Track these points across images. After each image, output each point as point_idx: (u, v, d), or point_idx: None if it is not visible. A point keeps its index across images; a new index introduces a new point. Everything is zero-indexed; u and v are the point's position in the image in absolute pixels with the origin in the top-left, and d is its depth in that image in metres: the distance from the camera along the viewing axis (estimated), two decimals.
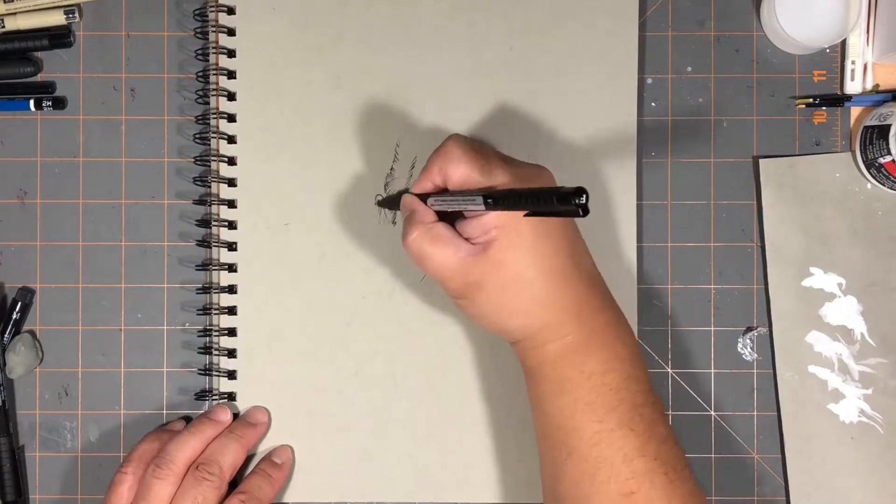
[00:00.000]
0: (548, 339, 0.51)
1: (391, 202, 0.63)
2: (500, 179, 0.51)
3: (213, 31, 0.63)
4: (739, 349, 0.64)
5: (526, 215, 0.46)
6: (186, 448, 0.58)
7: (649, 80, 0.65)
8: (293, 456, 0.62)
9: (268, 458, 0.61)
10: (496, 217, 0.50)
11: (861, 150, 0.62)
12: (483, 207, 0.49)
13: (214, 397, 0.62)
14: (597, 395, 0.51)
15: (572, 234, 0.53)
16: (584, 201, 0.42)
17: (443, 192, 0.54)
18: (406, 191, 0.58)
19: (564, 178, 0.62)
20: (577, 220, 0.52)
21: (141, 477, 0.58)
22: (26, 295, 0.64)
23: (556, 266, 0.51)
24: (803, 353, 0.63)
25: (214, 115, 0.62)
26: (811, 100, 0.64)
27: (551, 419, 0.52)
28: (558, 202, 0.43)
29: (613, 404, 0.50)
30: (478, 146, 0.53)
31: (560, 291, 0.51)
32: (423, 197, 0.54)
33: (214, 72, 0.62)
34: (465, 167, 0.51)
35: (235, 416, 0.62)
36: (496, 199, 0.48)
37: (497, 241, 0.50)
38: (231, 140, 0.63)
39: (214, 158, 0.62)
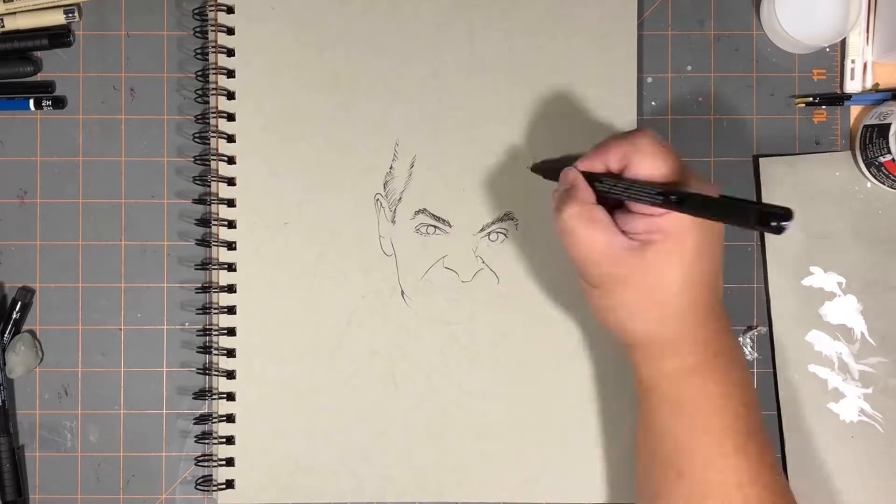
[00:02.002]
0: (672, 354, 0.50)
1: (547, 170, 0.60)
2: (680, 181, 0.49)
3: (212, 31, 0.63)
4: None
5: (698, 216, 0.45)
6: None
7: (649, 80, 0.65)
8: None
9: None
10: (664, 221, 0.48)
11: (861, 149, 0.62)
12: (661, 204, 0.47)
13: (213, 397, 0.62)
14: (716, 419, 0.50)
15: (720, 260, 0.51)
16: (786, 225, 0.41)
17: (610, 176, 0.52)
18: (567, 161, 0.55)
19: None
20: None
21: None
22: (26, 295, 0.64)
23: (702, 286, 0.49)
24: (803, 352, 0.63)
25: (214, 115, 0.62)
26: (811, 99, 0.64)
27: (664, 438, 0.51)
28: (758, 220, 0.42)
29: (731, 430, 0.50)
30: (670, 149, 0.51)
31: (699, 309, 0.50)
32: (588, 176, 0.52)
33: (214, 71, 0.62)
34: (657, 163, 0.49)
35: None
36: (683, 200, 0.46)
37: (659, 244, 0.48)
38: (230, 139, 0.63)
39: (214, 157, 0.62)
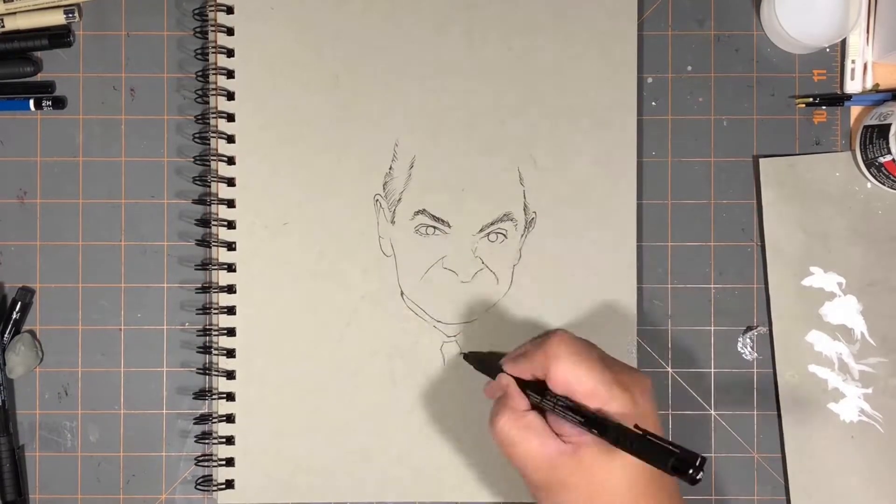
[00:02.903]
0: None
1: (480, 362, 0.61)
2: (592, 385, 0.50)
3: (212, 31, 0.63)
4: (739, 348, 0.64)
5: (623, 449, 0.46)
6: None
7: (649, 80, 0.65)
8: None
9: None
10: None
11: (861, 149, 0.62)
12: (584, 427, 0.48)
13: (213, 397, 0.62)
14: None
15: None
16: (699, 475, 0.42)
17: (541, 385, 0.53)
18: (499, 358, 0.57)
19: (565, 180, 0.62)
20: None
21: None
22: (26, 295, 0.64)
23: (646, 483, 0.50)
24: (803, 352, 0.63)
25: (214, 115, 0.63)
26: (811, 99, 0.64)
27: None
28: (672, 468, 0.42)
29: None
30: (584, 346, 0.52)
31: (649, 500, 0.50)
32: (519, 381, 0.54)
33: (214, 71, 0.62)
34: (574, 373, 0.50)
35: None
36: (604, 430, 0.47)
37: (591, 446, 0.49)
38: (230, 139, 0.63)
39: (214, 158, 0.62)
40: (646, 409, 0.51)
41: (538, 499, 0.53)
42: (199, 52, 0.63)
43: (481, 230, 0.62)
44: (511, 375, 0.55)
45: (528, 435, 0.51)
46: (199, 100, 0.63)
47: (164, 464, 0.64)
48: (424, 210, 0.62)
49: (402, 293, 0.63)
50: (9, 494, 0.63)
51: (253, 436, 0.62)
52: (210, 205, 0.63)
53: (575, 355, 0.51)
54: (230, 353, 0.62)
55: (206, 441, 0.63)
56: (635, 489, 0.50)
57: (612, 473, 0.49)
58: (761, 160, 0.64)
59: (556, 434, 0.51)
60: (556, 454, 0.50)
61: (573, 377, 0.51)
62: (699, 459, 0.42)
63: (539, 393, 0.53)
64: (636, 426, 0.47)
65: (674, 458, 0.43)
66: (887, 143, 0.59)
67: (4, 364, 0.63)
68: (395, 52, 0.63)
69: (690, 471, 0.42)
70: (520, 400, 0.53)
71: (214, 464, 0.62)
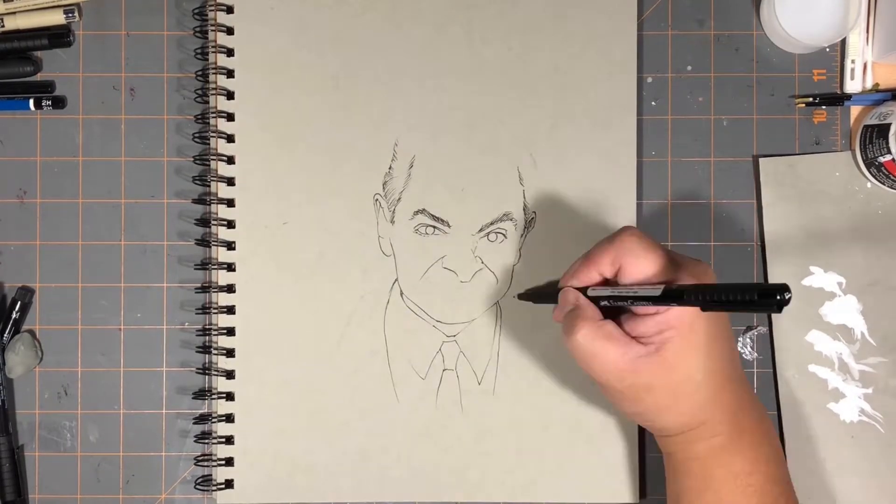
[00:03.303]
0: (701, 437, 0.51)
1: (538, 295, 0.61)
2: (674, 275, 0.50)
3: (212, 30, 0.63)
4: (739, 348, 0.64)
5: (704, 309, 0.46)
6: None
7: (649, 80, 0.65)
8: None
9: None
10: (671, 317, 0.49)
11: (861, 149, 0.62)
12: (662, 302, 0.48)
13: (213, 396, 0.62)
14: (741, 496, 0.51)
15: (733, 342, 0.53)
16: (788, 298, 0.41)
17: (606, 284, 0.52)
18: (553, 284, 0.56)
19: (565, 180, 0.62)
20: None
21: None
22: (26, 294, 0.64)
23: (723, 369, 0.51)
24: (803, 352, 0.63)
25: (213, 115, 0.63)
26: (811, 99, 0.64)
27: None
28: (760, 298, 0.42)
29: None
30: (654, 242, 0.52)
31: (723, 392, 0.51)
32: (584, 290, 0.53)
33: (214, 71, 0.62)
34: (649, 262, 0.50)
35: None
36: (681, 294, 0.47)
37: (672, 341, 0.49)
38: (230, 139, 0.63)
39: (213, 157, 0.62)
40: None
41: (622, 407, 0.53)
42: (199, 51, 0.63)
43: (481, 230, 0.62)
44: (575, 288, 0.53)
45: (609, 344, 0.50)
46: (198, 99, 0.63)
47: (163, 464, 0.64)
48: (424, 210, 0.62)
49: (401, 293, 0.63)
50: (8, 494, 0.63)
51: (252, 436, 0.62)
52: (210, 204, 0.63)
53: (647, 247, 0.51)
54: (230, 353, 0.62)
55: (206, 441, 0.63)
56: (716, 378, 0.50)
57: (694, 366, 0.49)
58: (761, 160, 0.64)
59: (634, 338, 0.50)
60: (639, 358, 0.49)
61: (645, 264, 0.50)
62: (784, 285, 0.42)
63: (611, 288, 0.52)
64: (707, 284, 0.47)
65: (758, 289, 0.43)
66: (887, 143, 0.59)
67: (4, 364, 0.63)
68: (394, 52, 0.63)
69: (779, 296, 0.41)
70: (593, 310, 0.52)
71: (214, 463, 0.62)
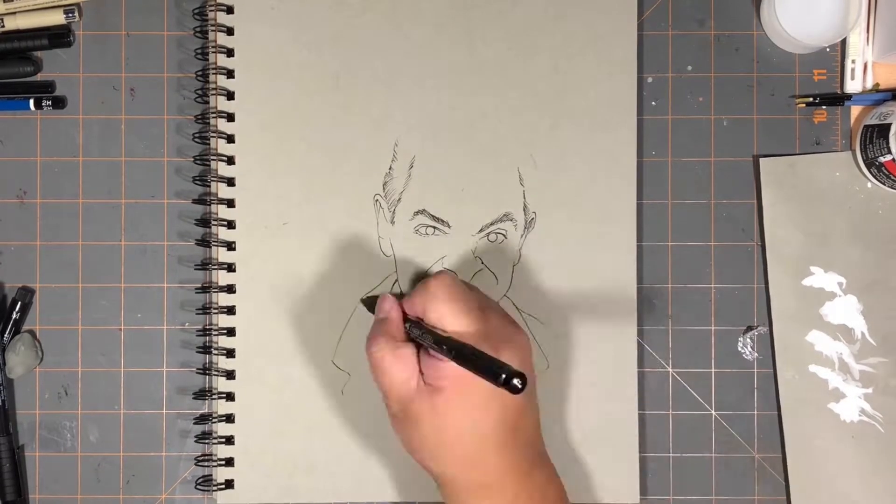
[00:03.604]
0: (472, 498, 0.52)
1: (372, 305, 0.62)
2: (467, 328, 0.52)
3: (212, 31, 0.63)
4: (740, 348, 0.64)
5: (461, 365, 0.48)
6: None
7: (649, 80, 0.65)
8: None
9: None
10: (453, 368, 0.50)
11: (861, 149, 0.62)
12: (439, 352, 0.50)
13: (213, 397, 0.62)
14: None
15: (522, 404, 0.53)
16: (519, 387, 0.44)
17: (417, 321, 0.55)
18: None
19: (565, 180, 0.62)
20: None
21: None
22: (26, 295, 0.64)
23: (495, 433, 0.52)
24: (804, 352, 0.63)
25: (213, 115, 0.63)
26: (811, 99, 0.64)
27: None
28: (495, 379, 0.45)
29: None
30: (463, 290, 0.54)
31: (492, 454, 0.52)
32: (405, 317, 0.56)
33: (214, 71, 0.62)
34: (443, 309, 0.53)
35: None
36: (450, 348, 0.49)
37: (445, 391, 0.51)
38: (230, 139, 0.63)
39: (213, 158, 0.62)
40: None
41: (394, 427, 0.55)
42: (199, 51, 0.63)
43: (481, 230, 0.62)
44: (396, 303, 0.56)
45: (397, 366, 0.53)
46: (199, 100, 0.63)
47: (163, 464, 0.64)
48: (424, 210, 0.62)
49: (402, 293, 0.62)
50: (9, 494, 0.63)
51: (253, 436, 0.62)
52: (210, 205, 0.63)
53: (452, 299, 0.53)
54: (230, 353, 0.62)
55: (206, 441, 0.63)
56: (487, 441, 0.51)
57: (459, 420, 0.51)
58: (761, 160, 0.64)
59: (422, 373, 0.52)
60: (416, 390, 0.52)
61: (449, 316, 0.52)
62: (521, 374, 0.44)
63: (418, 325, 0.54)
64: (472, 346, 0.49)
65: (498, 372, 0.45)
66: (887, 143, 0.59)
67: (4, 364, 0.63)
68: (394, 52, 0.63)
69: (514, 380, 0.44)
70: (397, 327, 0.55)
71: (214, 464, 0.62)
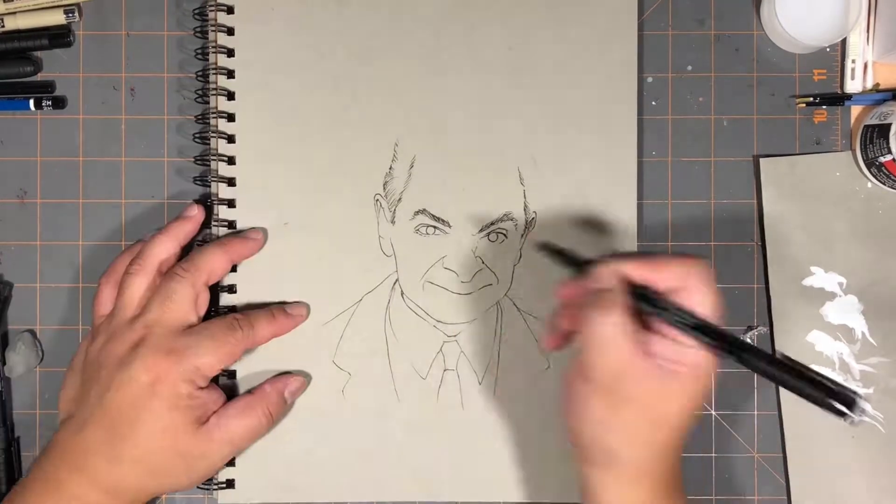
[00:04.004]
0: (642, 485, 0.50)
1: (558, 253, 0.57)
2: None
3: (212, 31, 0.63)
4: None
5: (761, 375, 0.45)
6: (158, 246, 0.59)
7: (649, 79, 0.65)
8: (307, 315, 0.62)
9: (282, 306, 0.61)
10: (694, 355, 0.48)
11: (861, 148, 0.62)
12: (714, 348, 0.46)
13: None
14: None
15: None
16: (859, 415, 0.40)
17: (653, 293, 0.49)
18: (579, 255, 0.54)
19: (565, 180, 0.62)
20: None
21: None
22: (4, 288, 0.64)
23: (685, 428, 0.50)
24: (804, 352, 0.63)
25: (214, 115, 0.62)
26: (811, 99, 0.64)
27: None
28: (826, 398, 0.41)
29: None
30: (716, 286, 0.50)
31: (678, 445, 0.50)
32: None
33: (214, 71, 0.62)
34: (711, 300, 0.48)
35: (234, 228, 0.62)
36: (741, 350, 0.45)
37: (682, 376, 0.48)
38: (230, 139, 0.62)
39: (214, 158, 0.62)
40: None
41: (585, 405, 0.49)
42: (199, 51, 0.63)
43: (481, 230, 0.62)
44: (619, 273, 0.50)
45: (630, 344, 0.47)
46: (199, 100, 0.63)
47: None
48: (425, 210, 0.62)
49: (402, 293, 0.62)
50: (5, 486, 0.62)
51: None
52: (210, 205, 0.62)
53: (715, 287, 0.49)
54: None
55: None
56: (683, 428, 0.49)
57: (681, 408, 0.48)
58: (761, 160, 0.64)
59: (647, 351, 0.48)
60: (642, 371, 0.47)
61: (710, 305, 0.48)
62: (854, 394, 0.40)
63: (648, 302, 0.49)
64: (782, 355, 0.45)
65: (828, 392, 0.41)
66: (887, 143, 0.59)
67: (4, 363, 0.63)
68: (395, 52, 0.63)
69: (853, 409, 0.40)
70: (629, 304, 0.48)
71: None
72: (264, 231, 0.62)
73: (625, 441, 0.49)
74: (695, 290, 0.48)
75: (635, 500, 0.50)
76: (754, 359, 0.45)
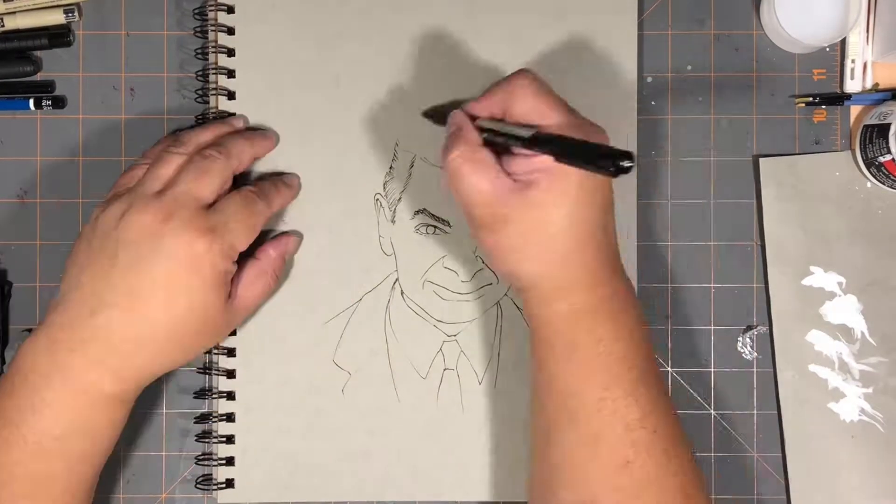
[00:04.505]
0: (561, 297, 0.51)
1: (437, 115, 0.61)
2: (556, 121, 0.50)
3: (212, 30, 0.63)
4: (739, 348, 0.64)
5: (557, 160, 0.47)
6: (199, 135, 0.58)
7: (649, 79, 0.65)
8: (299, 186, 0.62)
9: (279, 177, 0.61)
10: (545, 160, 0.49)
11: (861, 148, 0.62)
12: (526, 145, 0.48)
13: (214, 396, 0.62)
14: (605, 362, 0.50)
15: (609, 201, 0.52)
16: (627, 165, 0.42)
17: (493, 120, 0.53)
18: (455, 105, 0.57)
19: None
20: None
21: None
22: (4, 288, 0.64)
23: (588, 226, 0.50)
24: (803, 351, 0.63)
25: (214, 115, 0.62)
26: (811, 98, 0.64)
27: (555, 382, 0.52)
28: (601, 159, 0.44)
29: (620, 372, 0.50)
30: (550, 89, 0.53)
31: (583, 251, 0.50)
32: (473, 119, 0.53)
33: (214, 71, 0.62)
34: (531, 103, 0.51)
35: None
36: (544, 140, 0.48)
37: (540, 182, 0.49)
38: None
39: None
40: None
41: (478, 238, 0.52)
42: (199, 51, 0.63)
43: None
44: (467, 114, 0.54)
45: (478, 169, 0.50)
46: (199, 100, 0.63)
47: (164, 463, 0.64)
48: (425, 210, 0.62)
49: (402, 293, 0.63)
50: None
51: (253, 435, 0.62)
52: None
53: (541, 92, 0.52)
54: (230, 352, 0.62)
55: (207, 440, 0.63)
56: (579, 233, 0.50)
57: (556, 210, 0.49)
58: (761, 160, 0.64)
59: (508, 174, 0.51)
60: (504, 189, 0.50)
61: (536, 111, 0.51)
62: (628, 152, 0.43)
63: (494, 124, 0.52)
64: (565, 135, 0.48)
65: (601, 150, 0.45)
66: (887, 143, 0.59)
67: (4, 363, 0.63)
68: (395, 51, 0.63)
69: (623, 161, 0.42)
70: (472, 134, 0.52)
71: (214, 463, 0.62)
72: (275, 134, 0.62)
73: (521, 259, 0.51)
74: (516, 102, 0.51)
75: (559, 311, 0.51)
76: (547, 144, 0.48)
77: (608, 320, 0.51)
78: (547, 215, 0.49)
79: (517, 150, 0.50)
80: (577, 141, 0.47)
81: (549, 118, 0.51)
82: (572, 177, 0.49)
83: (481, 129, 0.52)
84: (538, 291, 0.52)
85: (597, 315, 0.51)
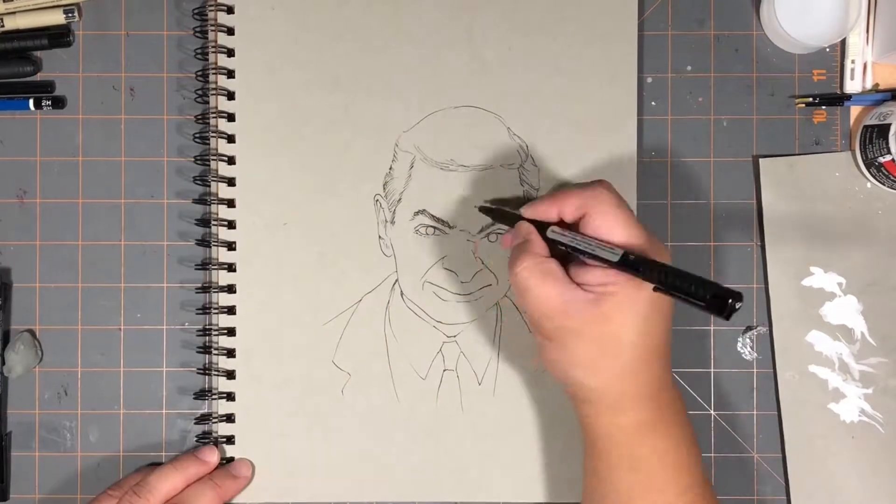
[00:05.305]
0: (624, 410, 0.51)
1: (499, 214, 0.60)
2: (635, 240, 0.50)
3: (212, 31, 0.63)
4: (739, 348, 0.64)
5: (655, 289, 0.46)
6: (166, 480, 0.59)
7: (649, 80, 0.65)
8: (252, 475, 0.62)
9: (226, 468, 0.62)
10: (619, 274, 0.49)
11: (861, 149, 0.62)
12: (618, 268, 0.48)
13: (213, 397, 0.62)
14: (669, 477, 0.51)
15: (672, 312, 0.52)
16: (737, 307, 0.42)
17: (564, 227, 0.52)
18: (517, 203, 0.56)
19: (565, 178, 0.62)
20: None
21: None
22: (4, 288, 0.63)
23: (656, 339, 0.50)
24: (803, 352, 0.63)
25: (214, 115, 0.62)
26: (811, 99, 0.64)
27: (619, 494, 0.52)
28: (712, 299, 0.43)
29: (683, 488, 0.51)
30: (624, 201, 0.52)
31: (651, 364, 0.50)
32: (541, 226, 0.53)
33: (214, 71, 0.62)
34: (615, 221, 0.50)
35: (223, 461, 0.62)
36: (639, 264, 0.47)
37: (614, 296, 0.49)
38: (230, 139, 0.63)
39: (214, 157, 0.62)
40: None
41: (545, 350, 0.52)
42: (199, 51, 0.63)
43: (481, 231, 0.62)
44: (532, 222, 0.54)
45: (547, 281, 0.50)
46: (199, 100, 0.63)
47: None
48: (424, 210, 0.62)
49: (402, 293, 0.63)
50: None
51: (253, 436, 0.62)
52: (210, 205, 0.62)
53: (621, 206, 0.51)
54: (230, 353, 0.62)
55: (207, 440, 0.63)
56: (647, 344, 0.50)
57: (628, 326, 0.49)
58: (761, 160, 0.64)
59: (577, 284, 0.50)
60: (575, 302, 0.49)
61: (614, 223, 0.50)
62: (738, 294, 0.42)
63: (550, 241, 0.52)
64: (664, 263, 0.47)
65: (713, 289, 0.43)
66: (887, 143, 0.59)
67: (3, 362, 0.63)
68: (395, 52, 0.63)
69: (729, 302, 0.42)
70: (540, 245, 0.52)
71: None
72: (252, 465, 0.63)
73: (589, 373, 0.50)
74: (596, 214, 0.51)
75: (622, 425, 0.51)
76: (648, 270, 0.47)
77: (669, 433, 0.52)
78: (620, 329, 0.49)
79: (590, 260, 0.50)
80: (685, 274, 0.46)
81: (626, 236, 0.50)
82: (645, 291, 0.49)
83: (551, 235, 0.52)
84: (601, 404, 0.51)
85: (658, 428, 0.51)
